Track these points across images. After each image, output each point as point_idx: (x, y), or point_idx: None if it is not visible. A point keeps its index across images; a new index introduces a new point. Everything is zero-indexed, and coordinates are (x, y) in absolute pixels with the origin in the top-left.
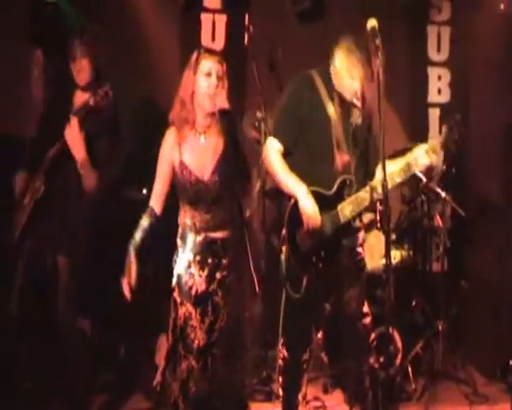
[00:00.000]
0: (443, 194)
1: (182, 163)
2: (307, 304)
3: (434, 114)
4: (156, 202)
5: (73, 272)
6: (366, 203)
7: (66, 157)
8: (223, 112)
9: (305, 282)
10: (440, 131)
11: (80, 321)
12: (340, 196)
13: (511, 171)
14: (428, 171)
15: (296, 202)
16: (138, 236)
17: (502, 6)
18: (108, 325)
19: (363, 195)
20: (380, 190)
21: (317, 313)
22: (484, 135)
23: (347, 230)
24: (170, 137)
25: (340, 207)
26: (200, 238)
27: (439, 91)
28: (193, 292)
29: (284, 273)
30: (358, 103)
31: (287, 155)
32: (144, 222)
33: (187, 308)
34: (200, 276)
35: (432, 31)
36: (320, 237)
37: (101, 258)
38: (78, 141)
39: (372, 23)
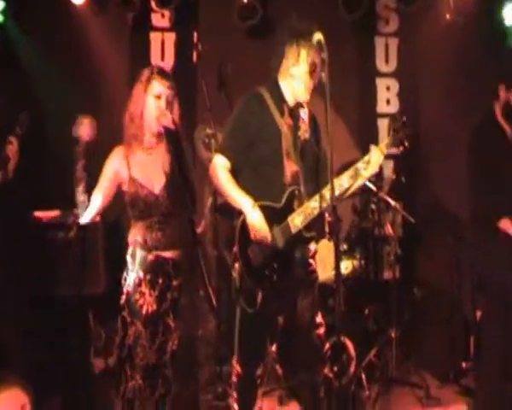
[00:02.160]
0: (393, 203)
1: (132, 178)
2: (262, 318)
3: (383, 125)
4: (90, 214)
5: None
6: (316, 212)
7: None
8: (168, 131)
9: (259, 296)
10: None
11: None
12: (290, 208)
13: (461, 177)
14: (377, 177)
15: (245, 218)
16: None
17: (448, 16)
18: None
19: (313, 204)
20: (327, 197)
21: (272, 327)
22: (434, 144)
23: (299, 240)
24: (118, 153)
25: (290, 218)
26: (151, 257)
27: (388, 102)
28: (143, 311)
29: (238, 289)
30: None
31: (235, 172)
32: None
33: (137, 328)
34: (151, 295)
35: (380, 42)
36: (272, 249)
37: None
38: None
39: (318, 36)
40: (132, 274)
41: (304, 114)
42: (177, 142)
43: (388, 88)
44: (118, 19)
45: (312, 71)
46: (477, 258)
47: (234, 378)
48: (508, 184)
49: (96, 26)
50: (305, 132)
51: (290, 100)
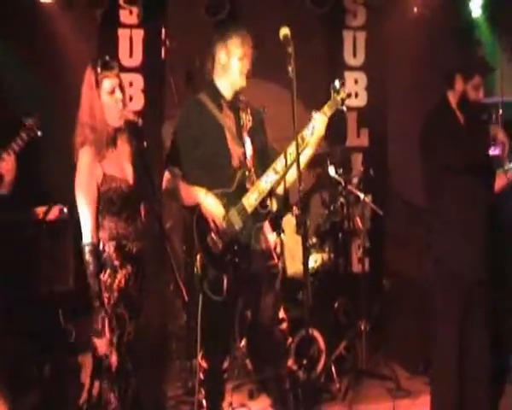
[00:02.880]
0: (361, 196)
1: (106, 176)
2: (225, 310)
3: (352, 118)
4: (93, 230)
5: None
6: (269, 186)
7: None
8: (128, 123)
9: (225, 283)
10: (358, 135)
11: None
12: (242, 190)
13: (428, 169)
14: (345, 170)
15: (201, 208)
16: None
17: (415, 9)
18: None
19: (265, 180)
20: (279, 169)
21: (240, 320)
22: (402, 136)
23: (256, 218)
24: (88, 155)
25: (244, 198)
26: (117, 247)
27: (356, 95)
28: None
29: (200, 279)
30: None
31: (186, 176)
32: (91, 262)
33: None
34: (119, 275)
35: (347, 36)
36: (230, 234)
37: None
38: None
39: (284, 31)
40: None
41: (243, 105)
42: (136, 131)
43: (356, 81)
44: (86, 15)
45: (243, 56)
46: (438, 247)
47: (200, 374)
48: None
49: (63, 23)
50: (247, 121)
51: (227, 94)
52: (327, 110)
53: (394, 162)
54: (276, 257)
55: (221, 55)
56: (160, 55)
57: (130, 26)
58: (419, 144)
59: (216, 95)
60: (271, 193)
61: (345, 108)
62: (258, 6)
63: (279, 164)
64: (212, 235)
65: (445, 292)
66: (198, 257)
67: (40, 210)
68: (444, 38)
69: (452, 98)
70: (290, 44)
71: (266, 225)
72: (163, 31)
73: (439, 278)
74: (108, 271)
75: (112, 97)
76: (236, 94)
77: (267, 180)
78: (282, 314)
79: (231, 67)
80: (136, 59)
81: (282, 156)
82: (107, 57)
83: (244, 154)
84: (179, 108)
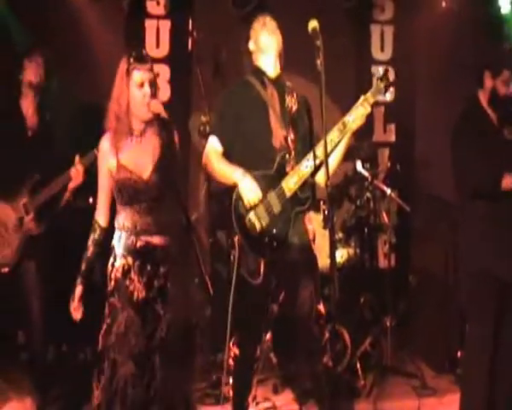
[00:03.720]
0: (388, 191)
1: (120, 165)
2: (263, 292)
3: (379, 113)
4: (102, 214)
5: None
6: (309, 171)
7: None
8: (158, 116)
9: (262, 267)
10: (385, 130)
11: None
12: (282, 173)
13: (456, 166)
14: (372, 165)
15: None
16: (89, 258)
17: (444, 3)
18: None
19: (306, 164)
20: (320, 154)
21: (266, 314)
22: (429, 131)
23: (295, 202)
24: (104, 144)
25: (283, 182)
26: (140, 243)
27: None
28: (134, 298)
29: (238, 263)
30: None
31: (227, 152)
32: (92, 243)
33: (128, 313)
34: (140, 282)
35: (375, 30)
36: (270, 215)
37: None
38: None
39: (313, 24)
40: (120, 260)
41: (289, 89)
42: (166, 126)
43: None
44: (113, 6)
45: (271, 33)
46: (466, 244)
47: (230, 362)
48: (492, 168)
49: (91, 13)
50: (292, 104)
51: (270, 73)
52: (370, 97)
53: (421, 158)
54: (314, 248)
55: (254, 37)
56: (186, 46)
57: (158, 17)
58: (451, 145)
59: (259, 73)
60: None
61: (388, 97)
62: None
63: (319, 150)
64: (250, 217)
65: (476, 291)
66: (236, 239)
67: None
68: (471, 32)
69: (483, 97)
70: (319, 38)
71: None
72: (190, 22)
73: (470, 277)
74: (119, 262)
75: (140, 90)
76: (280, 75)
77: (307, 165)
78: (321, 307)
79: (266, 43)
80: (163, 50)
81: (322, 142)
82: (143, 50)
83: (286, 136)
84: (206, 99)
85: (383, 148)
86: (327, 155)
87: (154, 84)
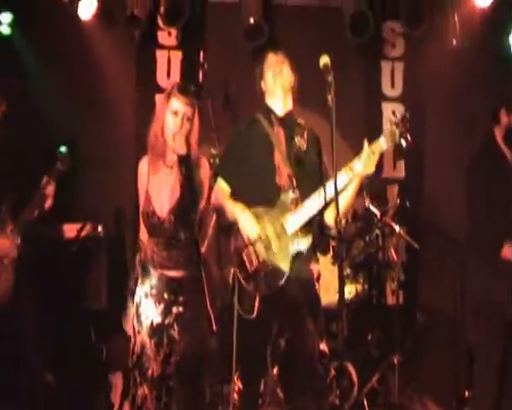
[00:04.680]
0: (397, 228)
1: (147, 193)
2: (261, 326)
3: (389, 150)
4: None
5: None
6: (312, 212)
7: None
8: (182, 156)
9: (257, 302)
10: (394, 166)
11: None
12: (285, 210)
13: (467, 202)
14: (381, 201)
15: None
16: (136, 279)
17: (454, 41)
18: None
19: (309, 204)
20: (326, 196)
21: (273, 347)
22: (438, 168)
23: (297, 241)
24: (143, 166)
25: (284, 219)
26: (157, 274)
27: None
28: (148, 323)
29: (232, 296)
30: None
31: (233, 188)
32: (138, 263)
33: (142, 337)
34: (156, 309)
35: (385, 66)
36: (268, 251)
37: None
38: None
39: (324, 60)
40: (142, 287)
41: (300, 127)
42: (189, 166)
43: (394, 112)
44: (125, 35)
45: (276, 73)
46: (476, 282)
47: (235, 396)
48: (508, 210)
49: (102, 42)
50: (301, 142)
51: (279, 111)
52: (383, 143)
53: (431, 194)
54: (317, 286)
55: (263, 76)
56: (197, 77)
57: (169, 48)
58: (466, 186)
59: (268, 112)
60: (314, 218)
61: (404, 143)
62: (296, 33)
63: (324, 190)
64: (248, 251)
65: (483, 330)
66: (232, 271)
67: (73, 227)
68: (484, 70)
69: (498, 133)
70: (330, 73)
71: (309, 253)
72: (201, 53)
73: (478, 315)
74: (154, 292)
75: (173, 118)
76: (289, 113)
77: (312, 205)
78: (323, 346)
79: (272, 83)
80: (174, 80)
81: (329, 183)
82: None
83: (291, 174)
84: (216, 132)
85: (392, 184)
86: (337, 193)
87: (189, 120)
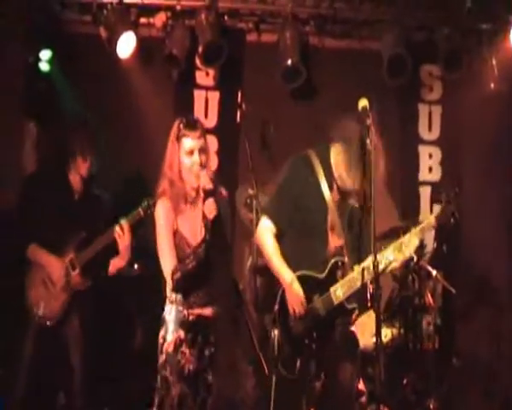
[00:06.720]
0: (434, 272)
1: (178, 232)
2: (299, 385)
3: (425, 193)
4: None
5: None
6: (358, 284)
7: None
8: (206, 190)
9: (298, 363)
10: (431, 210)
11: None
12: (332, 278)
13: (502, 247)
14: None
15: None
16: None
17: (492, 85)
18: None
19: (356, 276)
20: (371, 269)
21: (309, 392)
22: (476, 213)
23: (341, 311)
24: (164, 207)
25: (332, 289)
26: (192, 317)
27: (430, 170)
28: (185, 371)
29: (276, 355)
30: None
31: (279, 235)
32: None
33: (181, 388)
34: (192, 354)
35: (423, 109)
36: (313, 319)
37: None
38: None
39: (363, 103)
40: (172, 334)
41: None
42: (215, 196)
43: (431, 156)
44: (163, 74)
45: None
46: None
47: None
48: None
49: (141, 81)
50: (355, 201)
51: (342, 184)
52: (433, 221)
53: (468, 239)
54: (355, 330)
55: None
56: (235, 118)
57: (207, 88)
58: (504, 228)
59: (328, 163)
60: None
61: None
62: (334, 75)
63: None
64: (295, 316)
65: None
66: (276, 332)
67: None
68: None
69: None
70: (369, 116)
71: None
72: (239, 94)
73: None
74: (171, 336)
75: (190, 158)
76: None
77: (358, 277)
78: (361, 386)
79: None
80: (212, 120)
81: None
82: (194, 117)
83: (341, 246)
84: (253, 172)
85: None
86: (375, 235)
87: (204, 152)
